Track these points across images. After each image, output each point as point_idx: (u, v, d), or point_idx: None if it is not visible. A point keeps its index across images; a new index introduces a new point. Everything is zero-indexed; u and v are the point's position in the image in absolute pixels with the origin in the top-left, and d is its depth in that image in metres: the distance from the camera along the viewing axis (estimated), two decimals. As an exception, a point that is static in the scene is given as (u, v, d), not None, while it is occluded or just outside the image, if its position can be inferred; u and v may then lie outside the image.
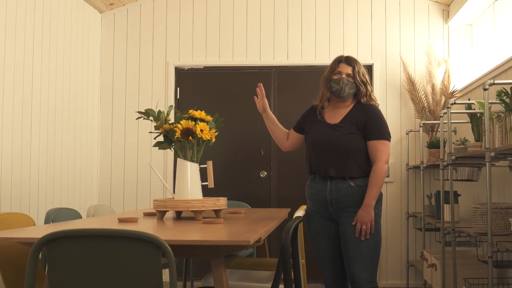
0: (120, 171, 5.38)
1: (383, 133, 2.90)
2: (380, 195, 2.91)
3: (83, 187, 5.04)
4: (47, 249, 1.85)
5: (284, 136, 3.23)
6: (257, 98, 3.21)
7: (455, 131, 4.79)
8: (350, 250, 2.83)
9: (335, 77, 2.95)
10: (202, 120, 2.98)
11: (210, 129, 3.00)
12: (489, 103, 2.88)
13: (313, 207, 2.98)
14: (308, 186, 3.03)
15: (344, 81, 2.92)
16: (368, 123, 2.89)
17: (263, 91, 3.17)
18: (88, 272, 1.84)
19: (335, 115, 2.98)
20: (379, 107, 3.04)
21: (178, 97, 5.39)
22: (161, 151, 5.27)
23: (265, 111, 3.21)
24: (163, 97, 5.35)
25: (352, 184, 2.85)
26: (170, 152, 5.31)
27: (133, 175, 5.37)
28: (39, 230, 2.29)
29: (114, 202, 5.33)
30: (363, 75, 2.95)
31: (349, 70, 2.94)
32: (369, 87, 2.97)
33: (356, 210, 2.83)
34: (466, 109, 3.69)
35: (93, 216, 3.50)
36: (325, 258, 2.96)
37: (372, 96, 3.00)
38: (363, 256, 2.81)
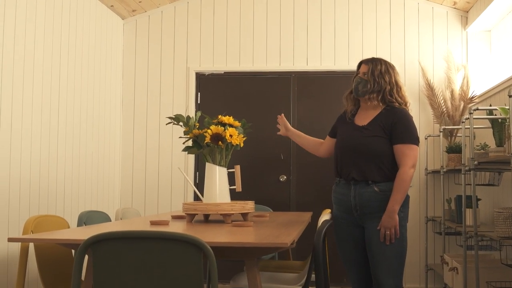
0: (141, 175, 5.46)
1: (410, 137, 2.87)
2: (407, 198, 2.91)
3: (105, 191, 5.13)
4: (92, 251, 1.92)
5: (315, 143, 3.26)
6: (279, 128, 3.38)
7: (474, 136, 4.82)
8: (375, 255, 2.83)
9: (355, 78, 3.02)
10: (231, 126, 3.06)
11: (238, 134, 3.07)
12: (514, 109, 2.92)
13: (338, 212, 3.00)
14: (333, 190, 3.04)
15: (357, 80, 2.96)
16: (395, 126, 2.87)
17: (284, 119, 3.37)
18: (131, 273, 1.91)
19: (364, 117, 3.00)
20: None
21: (198, 102, 5.48)
22: (182, 156, 5.35)
23: (288, 131, 3.32)
24: (184, 102, 5.43)
25: (375, 189, 2.84)
26: (191, 157, 5.39)
27: (154, 180, 5.45)
28: (80, 232, 2.37)
29: (136, 205, 5.41)
30: (379, 74, 2.92)
31: (365, 69, 2.97)
32: (387, 86, 2.91)
33: (380, 215, 2.82)
34: (487, 115, 3.73)
35: (121, 218, 3.58)
36: (352, 263, 2.98)
37: (395, 97, 2.93)
38: (388, 261, 2.81)
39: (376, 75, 2.92)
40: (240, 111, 5.30)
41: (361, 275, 2.98)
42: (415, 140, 2.89)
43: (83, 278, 2.22)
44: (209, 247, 1.86)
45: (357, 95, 2.98)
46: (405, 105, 2.99)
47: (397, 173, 2.84)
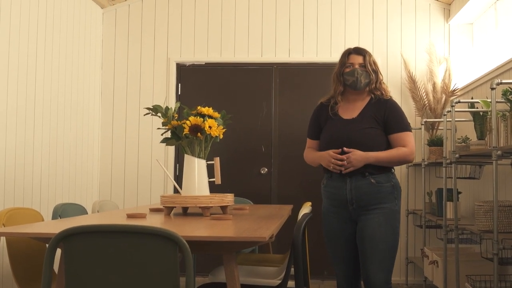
0: (120, 167, 5.38)
1: (407, 125, 2.89)
2: (399, 190, 2.87)
3: (84, 183, 5.04)
4: (64, 245, 1.86)
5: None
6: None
7: (455, 129, 4.82)
8: (367, 248, 2.74)
9: (347, 69, 2.88)
10: (210, 117, 3.00)
11: (218, 125, 3.01)
12: (496, 102, 2.90)
13: (330, 206, 2.90)
14: (325, 185, 2.92)
15: (358, 72, 2.84)
16: (390, 116, 2.84)
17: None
18: (105, 267, 1.85)
19: (350, 110, 2.91)
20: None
21: (179, 93, 5.40)
22: (162, 147, 5.28)
23: None
24: (164, 93, 5.36)
25: (372, 180, 2.78)
26: (171, 149, 5.32)
27: (133, 171, 5.37)
28: (53, 226, 2.30)
29: (114, 198, 5.33)
30: (374, 64, 2.90)
31: (360, 59, 2.88)
32: (380, 76, 2.93)
33: (376, 207, 2.76)
34: (469, 108, 3.72)
35: (98, 211, 3.51)
36: (340, 258, 2.89)
37: (383, 85, 2.93)
38: (380, 255, 2.73)
39: (373, 64, 2.90)
40: (221, 103, 5.24)
41: (349, 271, 2.90)
42: (409, 128, 2.93)
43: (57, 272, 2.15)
44: (184, 241, 1.80)
45: (358, 88, 2.87)
46: (386, 89, 2.96)
47: (401, 147, 2.82)
